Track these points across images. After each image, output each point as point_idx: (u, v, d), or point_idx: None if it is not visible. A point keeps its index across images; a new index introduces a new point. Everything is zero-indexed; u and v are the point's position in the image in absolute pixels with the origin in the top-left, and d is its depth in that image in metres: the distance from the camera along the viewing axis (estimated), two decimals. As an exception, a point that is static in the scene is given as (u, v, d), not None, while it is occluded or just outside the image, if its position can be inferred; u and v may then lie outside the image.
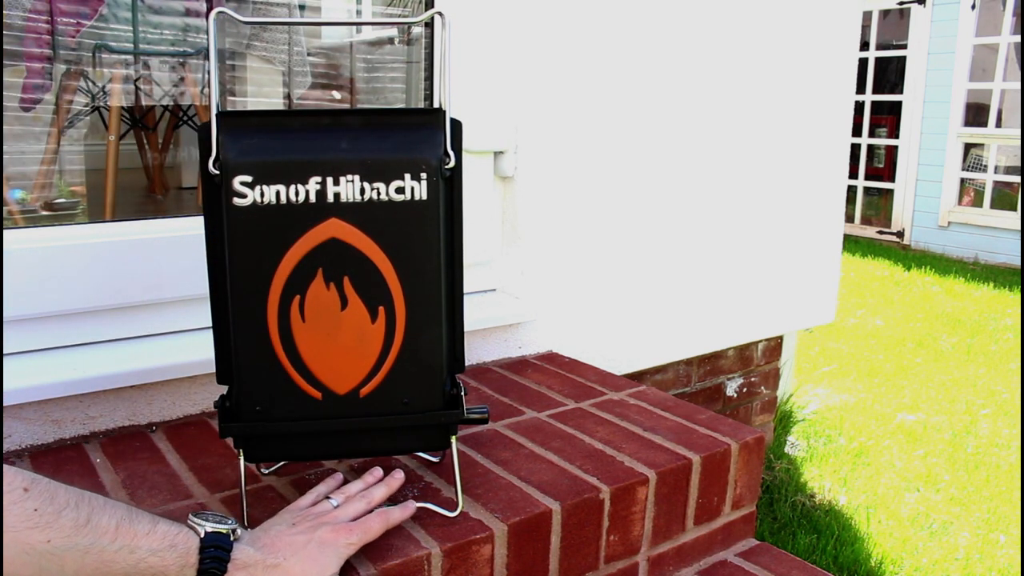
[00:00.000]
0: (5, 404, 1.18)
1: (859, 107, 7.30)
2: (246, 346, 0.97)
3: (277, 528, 0.93)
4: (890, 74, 7.24)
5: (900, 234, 7.09)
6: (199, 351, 1.33)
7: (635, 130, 1.85)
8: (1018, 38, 6.30)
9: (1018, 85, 6.24)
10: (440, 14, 1.01)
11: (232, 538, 0.87)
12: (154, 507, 1.06)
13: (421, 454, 1.21)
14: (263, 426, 1.00)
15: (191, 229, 1.37)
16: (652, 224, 1.92)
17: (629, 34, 1.79)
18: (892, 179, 7.19)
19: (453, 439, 1.05)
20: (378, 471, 1.08)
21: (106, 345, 1.34)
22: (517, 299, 1.74)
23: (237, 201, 0.92)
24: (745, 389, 2.32)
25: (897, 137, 7.09)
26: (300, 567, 0.87)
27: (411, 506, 1.01)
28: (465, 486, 1.11)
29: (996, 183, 6.58)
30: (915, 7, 6.77)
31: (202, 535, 0.85)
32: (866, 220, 7.50)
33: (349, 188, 0.94)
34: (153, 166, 3.74)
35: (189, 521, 0.87)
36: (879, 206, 7.43)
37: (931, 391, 3.44)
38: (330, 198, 0.94)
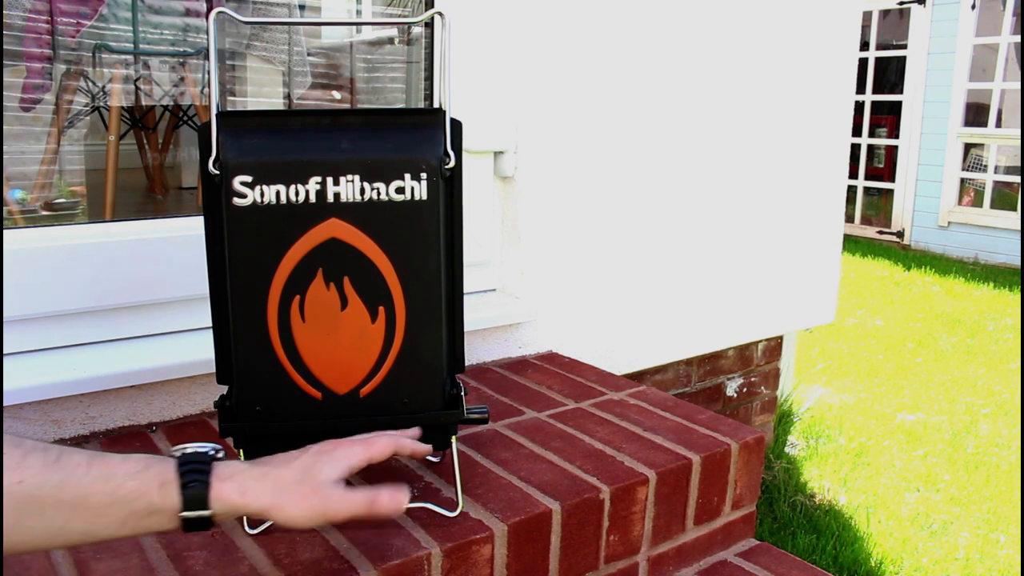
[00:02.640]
0: (5, 404, 1.18)
1: (859, 107, 7.30)
2: (246, 346, 0.97)
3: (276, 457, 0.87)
4: (890, 74, 7.24)
5: (900, 234, 7.09)
6: (199, 351, 1.33)
7: (635, 130, 1.85)
8: (1018, 38, 6.30)
9: (1018, 85, 6.24)
10: (440, 14, 1.01)
11: (214, 454, 0.82)
12: (154, 507, 1.06)
13: (421, 454, 1.21)
14: (263, 426, 1.00)
15: (191, 229, 1.37)
16: (652, 224, 1.92)
17: (629, 34, 1.79)
18: (892, 179, 7.20)
19: (453, 439, 1.05)
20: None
21: (106, 345, 1.34)
22: (517, 299, 1.74)
23: (237, 201, 0.92)
24: (745, 389, 2.32)
25: (897, 137, 7.09)
26: (290, 474, 0.81)
27: (405, 497, 0.88)
28: (465, 486, 1.11)
29: (996, 183, 6.58)
30: (915, 7, 6.77)
31: (179, 456, 0.80)
32: (866, 220, 7.51)
33: (349, 188, 0.94)
34: (153, 166, 3.74)
35: (168, 451, 0.82)
36: (879, 206, 7.43)
37: (931, 391, 3.44)
38: (330, 198, 0.94)
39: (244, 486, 0.79)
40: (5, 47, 2.35)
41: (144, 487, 0.75)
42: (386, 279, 0.97)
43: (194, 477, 0.77)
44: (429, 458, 1.20)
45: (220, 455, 0.83)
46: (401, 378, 1.00)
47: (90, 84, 2.68)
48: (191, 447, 0.82)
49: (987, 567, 2.10)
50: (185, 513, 0.76)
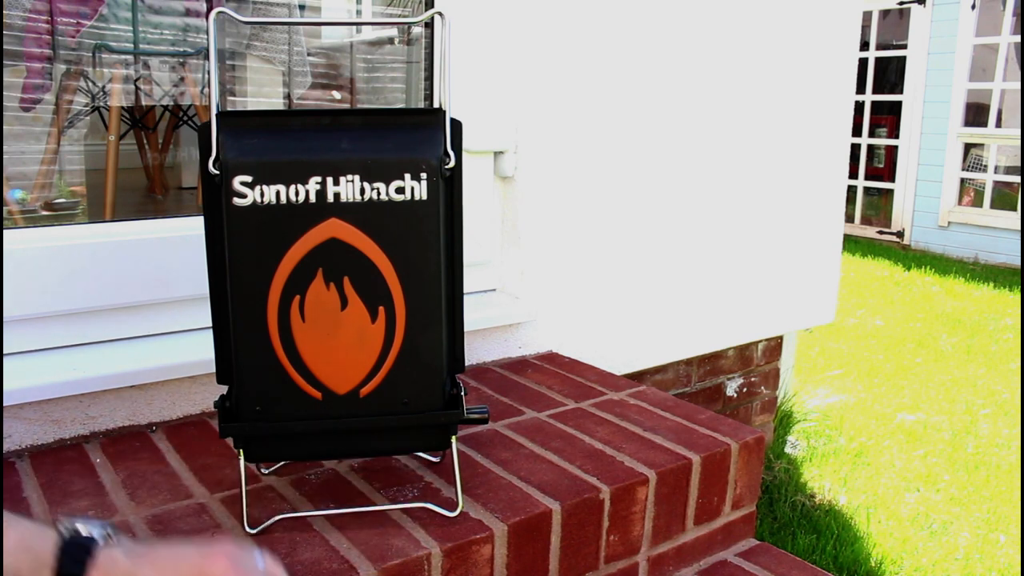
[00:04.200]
0: (5, 404, 1.18)
1: (859, 107, 7.30)
2: (246, 346, 0.97)
3: (173, 548, 0.82)
4: (890, 74, 7.24)
5: (900, 234, 7.09)
6: (199, 351, 1.33)
7: (635, 130, 1.85)
8: (1018, 38, 6.30)
9: (1018, 85, 6.24)
10: (440, 14, 1.01)
11: (102, 541, 0.78)
12: (154, 507, 1.06)
13: (421, 454, 1.21)
14: (263, 426, 1.00)
15: (191, 229, 1.37)
16: (652, 224, 1.92)
17: (629, 34, 1.79)
18: (892, 179, 7.19)
19: (453, 439, 1.05)
20: None
21: (106, 345, 1.34)
22: (517, 299, 1.74)
23: (237, 201, 0.92)
24: (745, 389, 2.31)
25: (897, 137, 7.09)
26: (178, 566, 0.76)
27: None
28: (465, 486, 1.11)
29: (996, 183, 6.57)
30: (915, 7, 6.77)
31: (66, 536, 0.77)
32: (866, 220, 7.50)
33: (349, 188, 0.94)
34: (153, 166, 3.74)
35: (59, 523, 0.78)
36: (879, 206, 7.43)
37: (931, 391, 3.44)
38: (330, 198, 0.94)
39: None
40: (5, 47, 2.35)
41: (16, 567, 0.73)
42: (386, 279, 0.97)
43: (70, 565, 0.75)
44: (429, 458, 1.20)
45: (113, 538, 0.79)
46: (401, 378, 1.00)
47: (90, 84, 2.68)
48: (83, 525, 0.79)
49: (987, 567, 2.10)
50: None
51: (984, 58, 6.51)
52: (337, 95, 3.15)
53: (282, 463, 1.17)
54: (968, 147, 6.69)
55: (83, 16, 2.50)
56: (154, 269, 1.36)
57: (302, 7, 2.97)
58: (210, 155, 0.93)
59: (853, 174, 7.40)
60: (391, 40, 3.10)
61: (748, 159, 2.08)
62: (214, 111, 0.94)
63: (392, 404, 1.01)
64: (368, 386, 1.00)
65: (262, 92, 2.99)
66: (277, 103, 3.03)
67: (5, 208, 2.45)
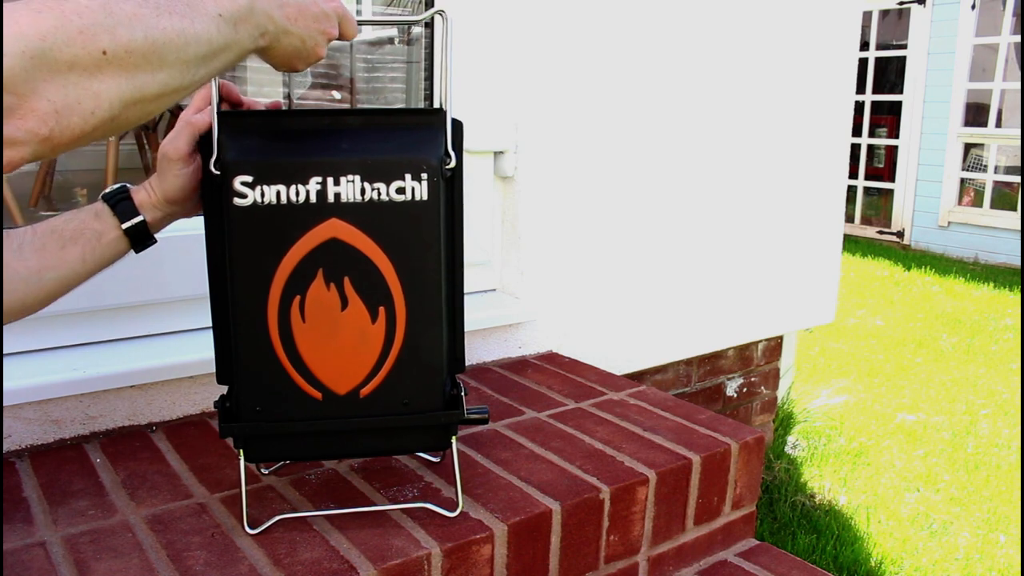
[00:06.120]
0: (5, 404, 1.18)
1: (859, 107, 7.30)
2: (246, 346, 0.97)
3: None
4: (890, 74, 7.24)
5: (900, 234, 7.09)
6: (199, 351, 1.33)
7: (635, 130, 1.85)
8: (1018, 38, 6.30)
9: (1018, 85, 6.24)
10: (441, 13, 1.01)
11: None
12: (154, 507, 1.06)
13: (421, 454, 1.21)
14: (263, 426, 1.00)
15: (191, 229, 1.37)
16: (652, 224, 1.92)
17: (629, 34, 1.79)
18: (892, 179, 7.20)
19: (453, 439, 1.05)
20: None
21: (106, 345, 1.34)
22: (517, 299, 1.74)
23: (237, 201, 0.92)
24: (745, 389, 2.32)
25: (897, 137, 7.09)
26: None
27: None
28: (465, 486, 1.11)
29: (996, 183, 6.58)
30: (915, 7, 6.77)
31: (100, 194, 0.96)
32: (866, 220, 7.51)
33: (349, 188, 0.94)
34: (153, 166, 3.73)
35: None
36: (879, 206, 7.44)
37: (931, 391, 3.44)
38: (330, 198, 0.94)
39: (150, 185, 1.00)
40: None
41: (83, 222, 0.94)
42: (386, 279, 0.97)
43: (119, 197, 0.97)
44: (429, 458, 1.20)
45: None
46: (401, 378, 1.00)
47: (90, 84, 2.67)
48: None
49: (987, 567, 2.10)
50: (124, 224, 0.96)
51: (984, 58, 6.51)
52: (337, 95, 3.15)
53: (282, 463, 1.17)
54: (968, 147, 6.70)
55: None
56: (154, 269, 1.36)
57: (302, 7, 2.96)
58: (210, 155, 0.93)
59: (853, 174, 7.41)
60: (391, 40, 3.10)
61: (748, 159, 2.08)
62: (214, 111, 0.94)
63: (392, 404, 1.01)
64: (368, 386, 1.00)
65: (262, 92, 2.99)
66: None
67: (6, 208, 2.45)
